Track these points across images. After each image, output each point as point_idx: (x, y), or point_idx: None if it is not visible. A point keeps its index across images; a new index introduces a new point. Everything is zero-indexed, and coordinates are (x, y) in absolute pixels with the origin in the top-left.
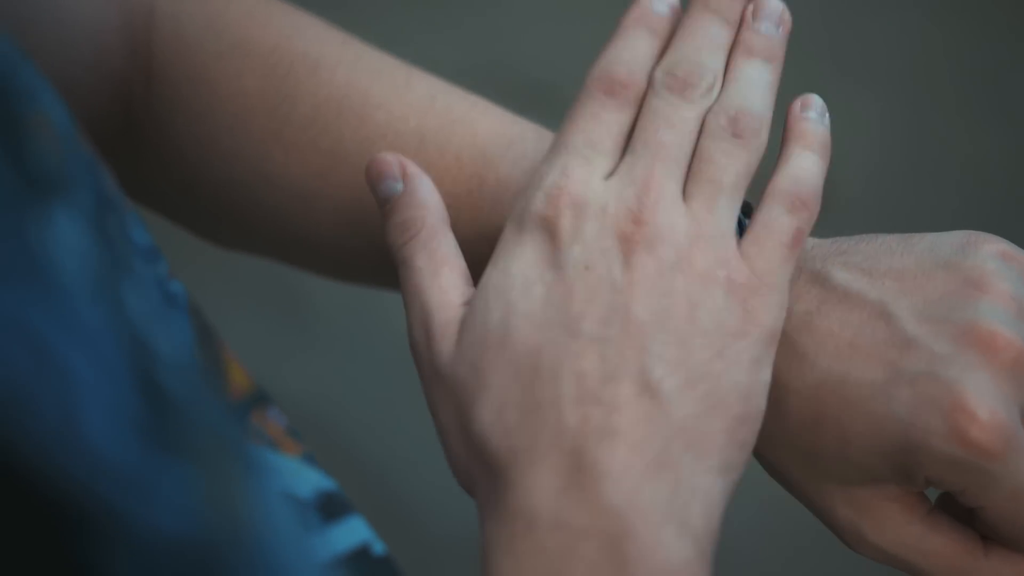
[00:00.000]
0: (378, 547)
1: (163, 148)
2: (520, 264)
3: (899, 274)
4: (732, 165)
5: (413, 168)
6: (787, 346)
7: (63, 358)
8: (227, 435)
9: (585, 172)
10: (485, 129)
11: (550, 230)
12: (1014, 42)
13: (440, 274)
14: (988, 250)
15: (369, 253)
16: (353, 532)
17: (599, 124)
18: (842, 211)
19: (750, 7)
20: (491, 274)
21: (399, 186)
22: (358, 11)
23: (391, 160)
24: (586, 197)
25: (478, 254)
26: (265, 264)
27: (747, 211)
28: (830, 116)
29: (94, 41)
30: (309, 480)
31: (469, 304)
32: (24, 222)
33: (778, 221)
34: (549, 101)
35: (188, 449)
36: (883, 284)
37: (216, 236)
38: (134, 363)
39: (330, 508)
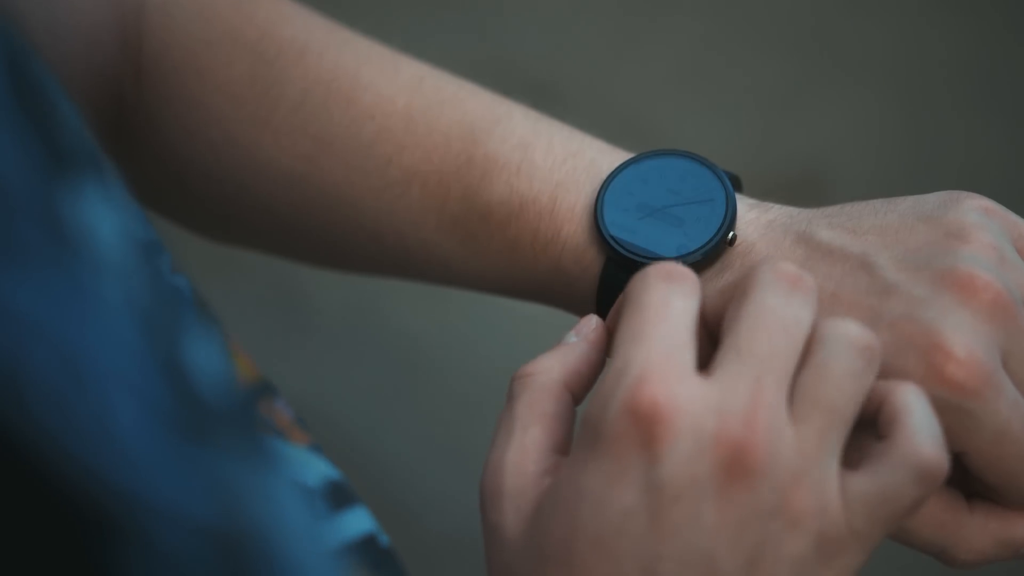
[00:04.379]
0: (383, 538)
1: (153, 139)
2: (592, 479)
3: (882, 230)
4: (856, 391)
5: (594, 336)
6: None
7: (91, 351)
8: (242, 422)
9: (672, 369)
10: (473, 108)
11: (633, 443)
12: (1013, 42)
13: (528, 430)
14: (970, 204)
15: (360, 236)
16: (360, 521)
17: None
18: None
19: None
20: (561, 480)
21: (574, 338)
22: (359, 11)
23: (591, 319)
24: (678, 406)
25: (469, 229)
26: (265, 263)
27: (737, 184)
28: (829, 116)
29: (88, 37)
30: (317, 469)
31: (540, 499)
32: (55, 196)
33: (902, 491)
34: (549, 101)
35: (209, 437)
36: (866, 239)
37: (210, 230)
38: (157, 347)
39: (337, 497)
